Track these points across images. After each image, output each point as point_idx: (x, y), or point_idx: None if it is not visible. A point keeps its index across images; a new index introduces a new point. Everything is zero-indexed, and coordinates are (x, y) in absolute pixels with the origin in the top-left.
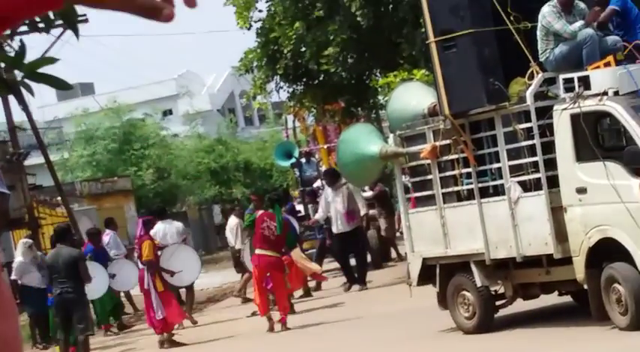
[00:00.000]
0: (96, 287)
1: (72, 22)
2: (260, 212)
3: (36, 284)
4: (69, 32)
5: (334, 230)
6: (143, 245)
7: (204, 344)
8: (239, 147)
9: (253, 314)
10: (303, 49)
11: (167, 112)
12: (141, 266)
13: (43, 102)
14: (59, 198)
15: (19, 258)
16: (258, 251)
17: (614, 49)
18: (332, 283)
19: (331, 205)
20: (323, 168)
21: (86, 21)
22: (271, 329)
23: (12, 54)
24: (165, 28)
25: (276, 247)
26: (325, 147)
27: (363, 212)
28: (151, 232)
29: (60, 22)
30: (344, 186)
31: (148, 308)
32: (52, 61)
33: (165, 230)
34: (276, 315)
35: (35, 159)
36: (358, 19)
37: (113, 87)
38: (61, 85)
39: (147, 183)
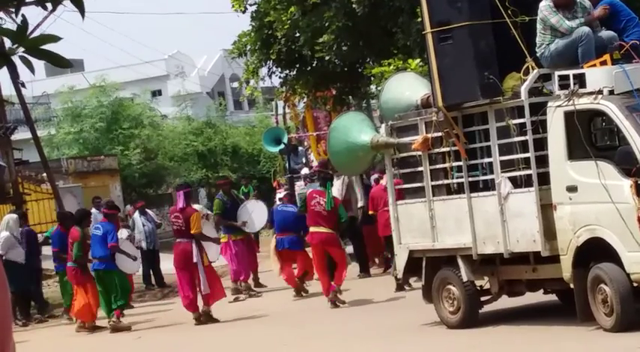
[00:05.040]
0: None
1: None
2: (309, 190)
3: (20, 261)
4: (60, 7)
5: None
6: (192, 217)
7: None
8: (227, 131)
9: (236, 300)
10: (297, 34)
11: (156, 93)
12: (184, 239)
13: (31, 76)
14: (44, 175)
15: (4, 232)
16: (312, 228)
17: (611, 46)
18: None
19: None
20: (311, 156)
21: None
22: (333, 305)
23: (8, 26)
24: (159, 7)
25: (330, 223)
26: (315, 134)
27: (360, 204)
28: None
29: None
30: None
31: (187, 283)
32: (56, 39)
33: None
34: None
35: (22, 134)
36: (354, 6)
37: (103, 64)
38: (61, 63)
39: (133, 163)
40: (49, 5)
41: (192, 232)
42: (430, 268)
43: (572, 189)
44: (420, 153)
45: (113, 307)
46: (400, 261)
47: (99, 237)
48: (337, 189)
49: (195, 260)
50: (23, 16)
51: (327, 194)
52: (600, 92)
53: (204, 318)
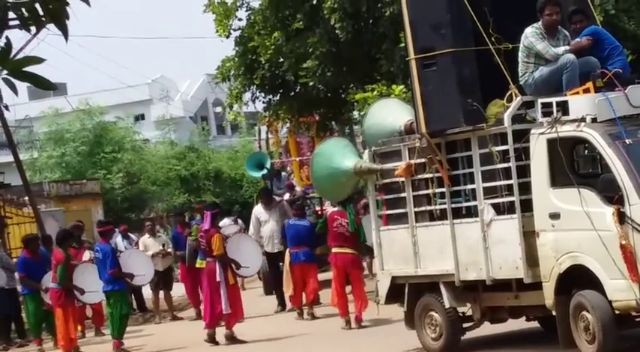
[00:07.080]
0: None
1: (61, 23)
2: (330, 211)
3: (2, 284)
4: (44, 31)
5: (268, 249)
6: (213, 239)
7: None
8: (210, 156)
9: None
10: (281, 59)
11: (139, 117)
12: (210, 259)
13: (14, 99)
14: (26, 198)
15: None
16: (335, 249)
17: (593, 73)
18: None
19: (266, 224)
20: (294, 181)
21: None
22: (348, 326)
23: None
24: (142, 32)
25: (352, 243)
26: (297, 159)
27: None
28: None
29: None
30: (279, 205)
31: (210, 302)
32: (39, 60)
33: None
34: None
35: (4, 157)
36: (337, 32)
37: (86, 88)
38: (45, 85)
39: (116, 188)
40: (32, 29)
41: (213, 254)
42: (412, 294)
43: (554, 216)
44: (403, 179)
45: (114, 334)
46: (382, 286)
47: (100, 260)
48: (275, 221)
49: (218, 279)
50: (7, 38)
51: (348, 215)
52: (583, 120)
53: (228, 340)
